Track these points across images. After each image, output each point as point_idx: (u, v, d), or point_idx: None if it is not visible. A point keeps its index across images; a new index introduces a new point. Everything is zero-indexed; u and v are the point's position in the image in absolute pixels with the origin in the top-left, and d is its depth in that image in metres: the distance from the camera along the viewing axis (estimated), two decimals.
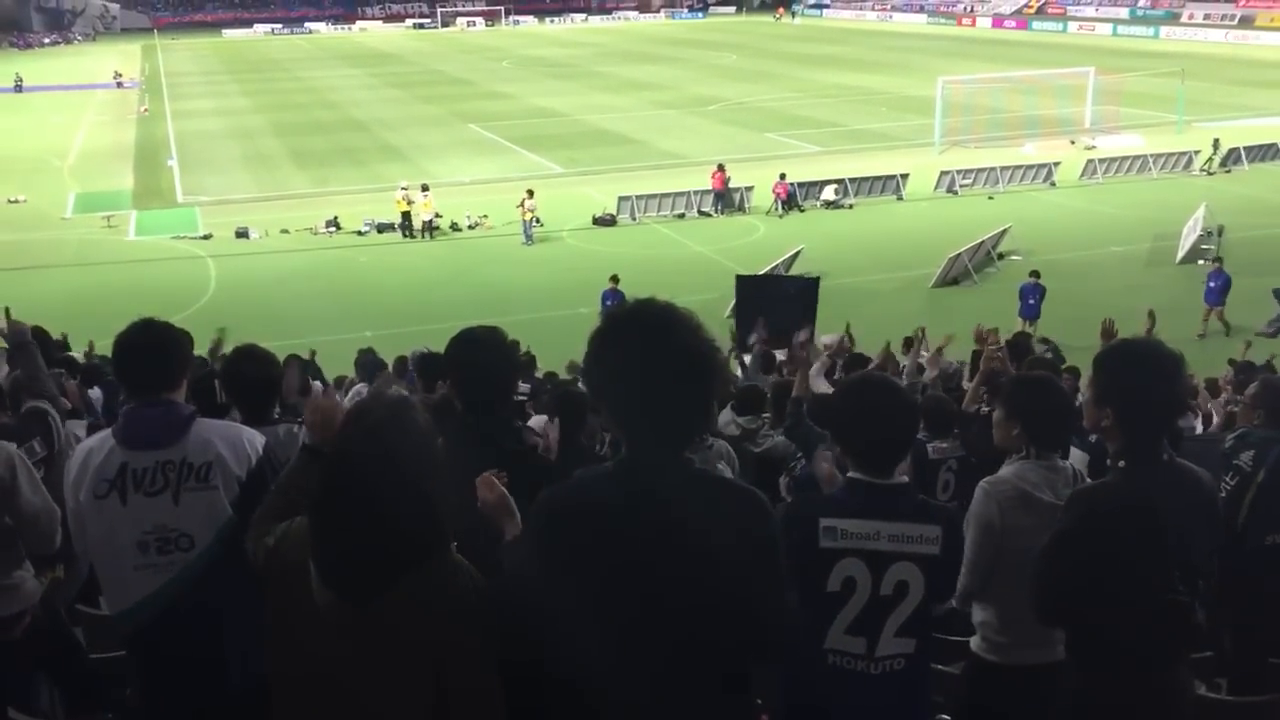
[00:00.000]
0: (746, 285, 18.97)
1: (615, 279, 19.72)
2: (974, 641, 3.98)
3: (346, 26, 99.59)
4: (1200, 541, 3.33)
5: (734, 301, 19.00)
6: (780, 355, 11.60)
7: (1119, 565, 3.15)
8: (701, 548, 2.38)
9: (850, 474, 3.25)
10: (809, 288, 18.16)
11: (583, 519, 2.44)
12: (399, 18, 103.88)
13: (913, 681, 3.21)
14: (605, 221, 28.38)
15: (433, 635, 2.53)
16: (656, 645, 2.40)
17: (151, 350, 3.58)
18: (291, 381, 6.26)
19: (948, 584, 3.30)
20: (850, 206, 29.65)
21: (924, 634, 3.21)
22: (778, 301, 17.34)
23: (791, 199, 29.14)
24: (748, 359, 11.58)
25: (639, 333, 2.43)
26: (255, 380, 4.52)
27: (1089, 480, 3.89)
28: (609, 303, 19.30)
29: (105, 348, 13.37)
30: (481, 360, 3.45)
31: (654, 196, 29.42)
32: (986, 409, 5.77)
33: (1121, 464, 3.31)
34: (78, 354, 11.87)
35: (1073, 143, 36.33)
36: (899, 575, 3.12)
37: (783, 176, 29.37)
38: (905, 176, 30.86)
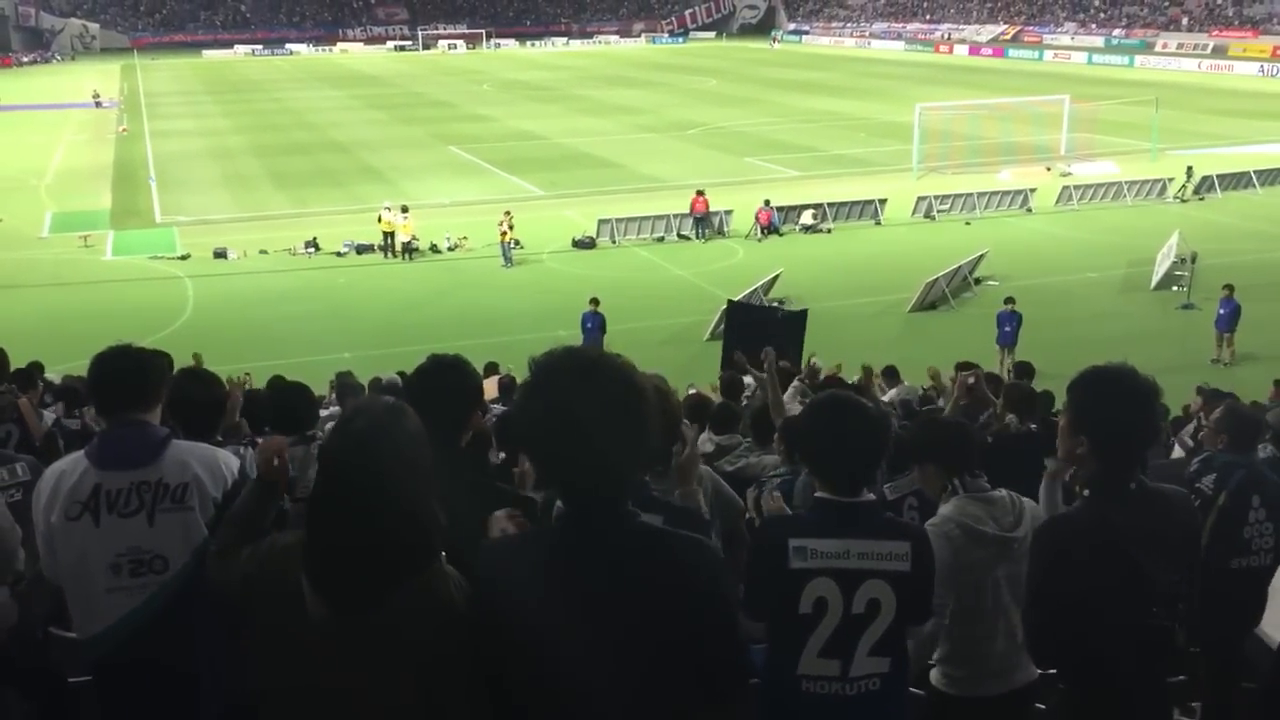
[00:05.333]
0: (737, 312, 19.04)
1: (595, 301, 19.77)
2: (933, 674, 3.98)
3: (327, 48, 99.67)
4: (1176, 563, 3.26)
5: (720, 326, 19.10)
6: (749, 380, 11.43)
7: (1095, 606, 3.15)
8: (643, 606, 2.28)
9: (818, 494, 3.26)
10: (798, 319, 18.27)
11: (518, 583, 2.36)
12: (380, 40, 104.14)
13: (889, 700, 3.20)
14: (585, 244, 28.43)
15: (424, 646, 2.47)
16: (607, 700, 2.30)
17: (128, 373, 3.57)
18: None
19: (920, 602, 3.26)
20: (828, 231, 29.80)
21: (897, 652, 3.20)
22: (767, 330, 17.42)
23: (772, 225, 29.26)
24: (749, 380, 11.38)
25: (563, 379, 2.29)
26: (201, 402, 4.45)
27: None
28: (589, 325, 19.38)
29: (82, 368, 13.27)
30: (443, 389, 3.32)
31: (634, 220, 29.48)
32: None
33: (1087, 493, 3.27)
34: (54, 376, 11.76)
35: (1049, 169, 36.60)
36: (870, 593, 3.12)
37: (767, 203, 29.51)
38: (883, 202, 31.04)
